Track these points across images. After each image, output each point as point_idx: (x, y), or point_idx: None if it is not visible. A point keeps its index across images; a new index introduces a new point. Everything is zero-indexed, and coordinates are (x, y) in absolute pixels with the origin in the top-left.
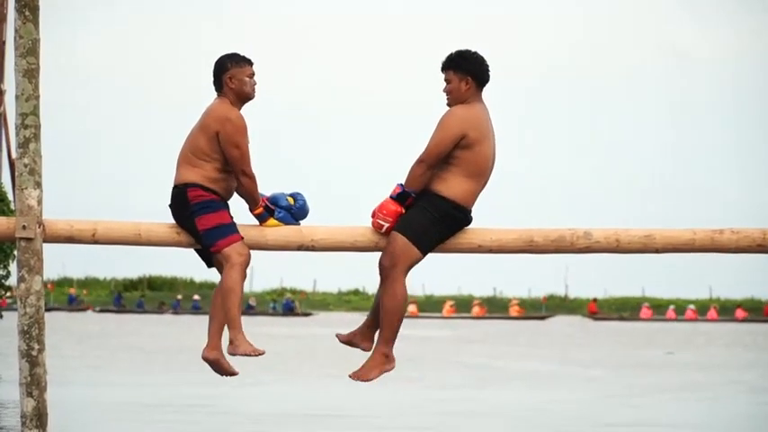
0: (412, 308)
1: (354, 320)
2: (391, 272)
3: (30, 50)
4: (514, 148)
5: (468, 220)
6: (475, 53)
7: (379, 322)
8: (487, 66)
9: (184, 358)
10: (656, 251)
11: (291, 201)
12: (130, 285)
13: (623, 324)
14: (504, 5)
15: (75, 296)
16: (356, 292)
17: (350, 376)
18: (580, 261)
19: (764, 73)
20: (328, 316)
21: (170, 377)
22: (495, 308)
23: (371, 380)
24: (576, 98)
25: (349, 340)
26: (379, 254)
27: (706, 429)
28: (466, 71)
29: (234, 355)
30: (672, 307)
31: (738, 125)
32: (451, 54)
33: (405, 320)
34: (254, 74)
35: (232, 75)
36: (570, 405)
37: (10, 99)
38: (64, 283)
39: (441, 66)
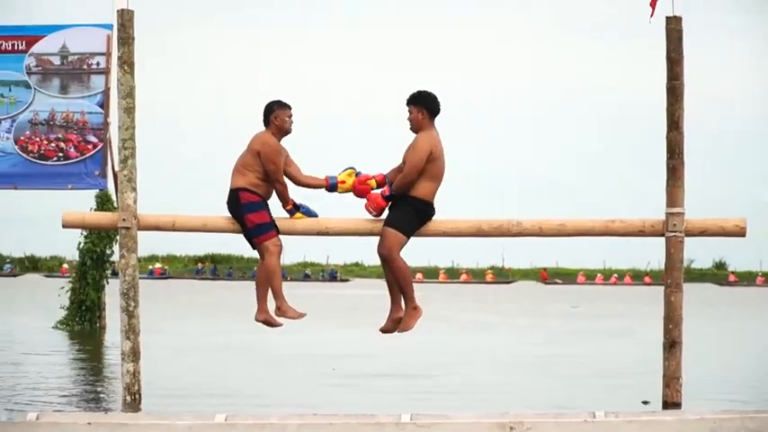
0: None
1: (366, 284)
2: (390, 256)
3: (128, 94)
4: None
5: (434, 211)
6: (429, 93)
7: (400, 289)
8: (438, 102)
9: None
10: (568, 235)
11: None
12: (199, 260)
13: (567, 287)
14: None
15: (201, 269)
16: (357, 264)
17: (398, 330)
18: (513, 241)
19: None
20: (361, 282)
21: (237, 325)
22: (476, 275)
23: (412, 328)
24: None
25: (392, 324)
26: (374, 238)
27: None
28: (422, 105)
29: (283, 316)
30: (599, 275)
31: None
32: (413, 93)
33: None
34: (292, 115)
35: (277, 115)
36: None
37: (114, 128)
38: (153, 259)
39: (406, 101)
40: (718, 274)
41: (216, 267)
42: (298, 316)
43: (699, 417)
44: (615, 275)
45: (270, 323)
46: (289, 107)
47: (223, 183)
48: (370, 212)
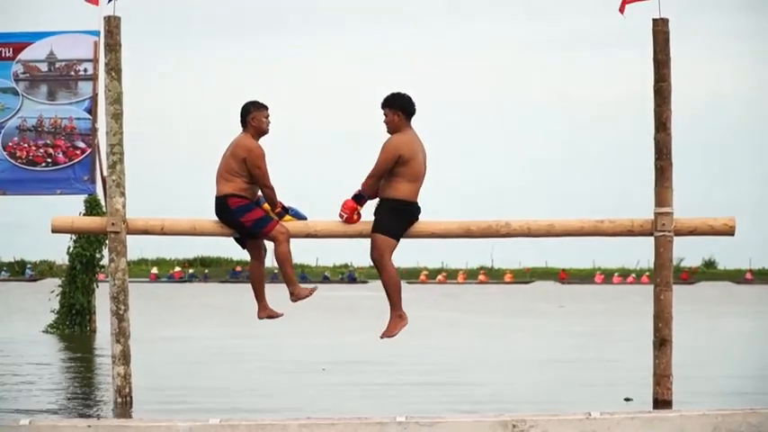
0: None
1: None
2: (381, 261)
3: (115, 100)
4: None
5: (418, 210)
6: (404, 94)
7: (388, 295)
8: (413, 103)
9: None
10: (557, 235)
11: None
12: (189, 263)
13: (584, 286)
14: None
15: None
16: (346, 266)
17: (380, 336)
18: (501, 241)
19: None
20: (377, 283)
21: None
22: (494, 276)
23: (395, 335)
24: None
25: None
26: (361, 239)
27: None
28: (397, 107)
29: (298, 298)
30: (617, 274)
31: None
32: (388, 95)
33: (446, 285)
34: (269, 115)
35: (254, 116)
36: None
37: (102, 134)
38: (141, 262)
39: (381, 104)
40: (734, 273)
41: (235, 270)
42: (310, 292)
43: (701, 413)
44: (633, 275)
45: (272, 316)
46: (265, 107)
47: (208, 183)
48: (342, 217)
